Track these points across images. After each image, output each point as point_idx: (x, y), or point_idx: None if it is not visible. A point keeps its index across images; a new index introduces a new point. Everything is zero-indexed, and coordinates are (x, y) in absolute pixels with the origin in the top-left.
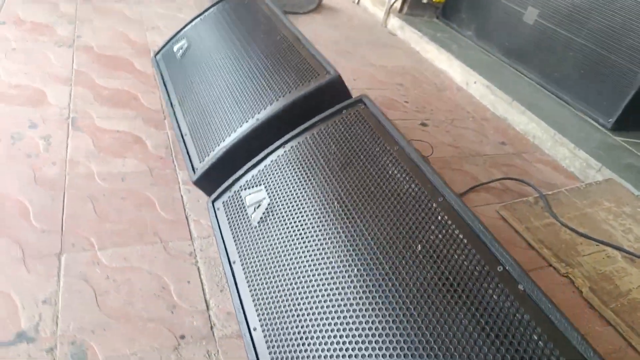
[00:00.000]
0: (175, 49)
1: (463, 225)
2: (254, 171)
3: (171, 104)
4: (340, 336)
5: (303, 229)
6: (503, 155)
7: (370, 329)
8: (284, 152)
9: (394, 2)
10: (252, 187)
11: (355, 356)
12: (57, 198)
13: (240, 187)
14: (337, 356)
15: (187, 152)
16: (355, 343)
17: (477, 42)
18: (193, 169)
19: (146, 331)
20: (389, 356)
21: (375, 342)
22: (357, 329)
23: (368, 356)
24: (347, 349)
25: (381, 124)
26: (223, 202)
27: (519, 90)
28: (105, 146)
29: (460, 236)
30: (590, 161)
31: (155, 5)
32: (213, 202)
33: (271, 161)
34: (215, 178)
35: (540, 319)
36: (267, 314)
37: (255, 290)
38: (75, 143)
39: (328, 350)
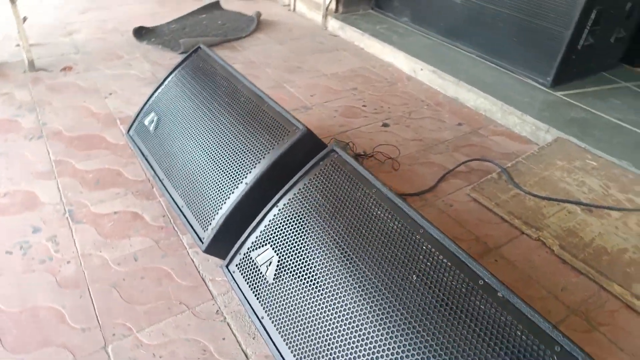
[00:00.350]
0: (146, 122)
1: (444, 249)
2: (256, 232)
3: (158, 177)
4: (365, 357)
5: (313, 278)
6: (462, 136)
7: (388, 349)
8: (278, 210)
9: (329, 3)
10: (259, 247)
11: None
12: (84, 295)
13: (248, 249)
14: None
15: (189, 223)
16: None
17: (414, 27)
18: (200, 239)
19: None
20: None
21: (394, 357)
22: (377, 352)
23: None
24: None
25: (355, 170)
26: (236, 265)
27: (462, 68)
28: (109, 231)
29: (445, 260)
30: (538, 124)
31: (104, 68)
32: (227, 266)
33: (269, 221)
34: (221, 243)
35: (520, 318)
36: (302, 355)
37: (287, 337)
38: (80, 236)
39: None
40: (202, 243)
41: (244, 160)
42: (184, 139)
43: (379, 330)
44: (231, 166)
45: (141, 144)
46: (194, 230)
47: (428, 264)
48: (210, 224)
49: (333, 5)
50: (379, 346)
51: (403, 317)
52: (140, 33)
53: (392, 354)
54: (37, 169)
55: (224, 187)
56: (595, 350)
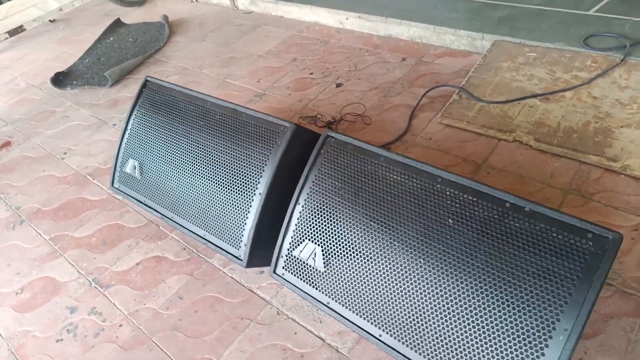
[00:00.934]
0: (128, 171)
1: (464, 188)
2: (290, 233)
3: (166, 217)
4: (439, 302)
5: (361, 253)
6: (410, 70)
7: (455, 292)
8: (302, 207)
9: None
10: (298, 244)
11: (451, 305)
12: (153, 348)
13: (288, 250)
14: (446, 315)
15: (219, 247)
16: (447, 299)
17: None
18: (237, 258)
19: None
20: (469, 291)
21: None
22: (445, 296)
23: (457, 301)
24: (443, 305)
25: (357, 146)
26: (283, 267)
27: (383, 4)
28: (141, 283)
29: (469, 197)
30: (472, 34)
31: (43, 129)
32: (274, 272)
33: (297, 219)
34: (257, 253)
35: (550, 222)
36: (373, 317)
37: (355, 308)
38: (118, 298)
39: (437, 318)
40: (242, 260)
41: (248, 174)
42: (179, 173)
43: (438, 276)
44: (239, 183)
45: (132, 192)
46: (226, 252)
47: (457, 205)
48: (242, 241)
49: None
50: (445, 291)
51: (455, 258)
52: (59, 80)
53: (461, 295)
54: (39, 254)
55: (240, 204)
56: (597, 217)
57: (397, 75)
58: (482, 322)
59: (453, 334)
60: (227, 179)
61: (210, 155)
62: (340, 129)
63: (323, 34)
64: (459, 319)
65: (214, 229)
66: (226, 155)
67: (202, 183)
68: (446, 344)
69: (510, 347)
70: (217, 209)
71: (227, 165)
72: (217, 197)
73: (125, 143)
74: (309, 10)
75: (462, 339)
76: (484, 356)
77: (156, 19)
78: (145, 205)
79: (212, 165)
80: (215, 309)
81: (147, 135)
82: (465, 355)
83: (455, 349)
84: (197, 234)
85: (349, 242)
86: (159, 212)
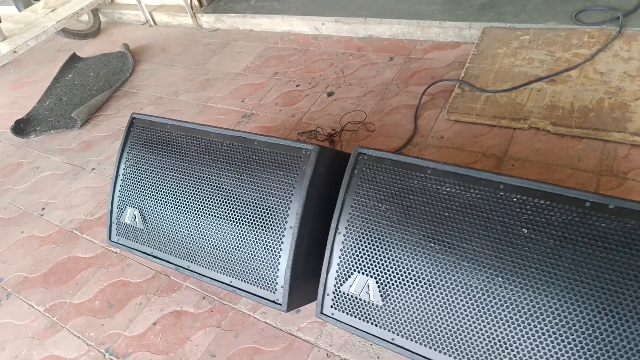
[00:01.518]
0: (127, 221)
1: (533, 192)
2: (334, 267)
3: (181, 267)
4: (523, 321)
5: (425, 280)
6: (402, 69)
7: (544, 310)
8: (344, 236)
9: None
10: (346, 279)
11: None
12: None
13: (335, 286)
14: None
15: (251, 293)
16: (533, 317)
17: None
18: (275, 302)
19: None
20: (560, 306)
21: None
22: (531, 317)
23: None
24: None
25: (395, 160)
26: (332, 307)
27: (360, 5)
28: (164, 344)
29: (541, 201)
30: (458, 24)
31: (13, 185)
32: (322, 312)
33: (340, 250)
34: (295, 293)
35: (637, 216)
36: (451, 350)
37: (427, 342)
38: None
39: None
40: (281, 305)
41: (275, 207)
42: (191, 217)
43: (522, 294)
44: (265, 219)
45: (134, 244)
46: (260, 297)
47: (528, 212)
48: (277, 283)
49: (196, 0)
50: (533, 311)
51: (539, 272)
52: (20, 128)
53: (551, 314)
54: (36, 329)
55: (270, 242)
56: (637, 195)
57: (389, 76)
58: (584, 337)
59: (551, 355)
60: (251, 216)
61: (226, 192)
62: (344, 140)
63: (300, 43)
64: (555, 336)
65: (242, 274)
66: (245, 190)
67: (221, 224)
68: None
69: None
70: (242, 251)
71: (248, 201)
72: (241, 237)
73: (119, 191)
74: (280, 20)
75: None
76: None
77: (115, 48)
78: (153, 257)
79: (231, 203)
80: None
81: (145, 179)
82: None
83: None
84: (221, 282)
85: (407, 268)
86: (171, 263)
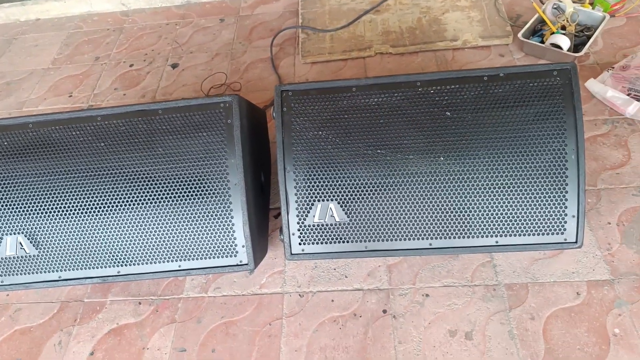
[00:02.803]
0: (10, 254)
1: (444, 81)
2: (293, 205)
3: (109, 276)
4: (472, 185)
5: (383, 182)
6: (238, 28)
7: (477, 169)
8: (294, 174)
9: None
10: (307, 213)
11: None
12: None
13: (298, 223)
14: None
15: (210, 267)
16: (475, 178)
17: None
18: (238, 265)
19: None
20: (491, 163)
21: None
22: (472, 175)
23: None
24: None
25: (320, 88)
26: (300, 244)
27: None
28: None
29: (453, 86)
30: None
31: None
32: (292, 254)
33: (295, 187)
34: (256, 250)
35: (521, 76)
36: (431, 228)
37: (399, 235)
38: None
39: None
40: (247, 264)
41: (210, 169)
42: (108, 217)
43: (461, 165)
44: (202, 185)
45: (30, 276)
46: (220, 266)
47: (445, 98)
48: (236, 244)
49: None
50: (474, 173)
51: (468, 142)
52: None
53: (485, 168)
54: None
55: (217, 206)
56: None
57: (228, 36)
58: (510, 182)
59: (492, 200)
60: (183, 189)
61: (142, 175)
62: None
63: (110, 22)
64: (495, 186)
65: (190, 253)
66: (165, 165)
67: (148, 211)
68: (489, 210)
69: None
70: (184, 229)
71: (173, 175)
72: (179, 215)
73: None
74: (75, 2)
75: (496, 199)
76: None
77: None
78: (63, 280)
79: (153, 185)
80: (234, 334)
81: (22, 197)
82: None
83: (493, 208)
84: (167, 271)
85: (363, 179)
86: (94, 277)
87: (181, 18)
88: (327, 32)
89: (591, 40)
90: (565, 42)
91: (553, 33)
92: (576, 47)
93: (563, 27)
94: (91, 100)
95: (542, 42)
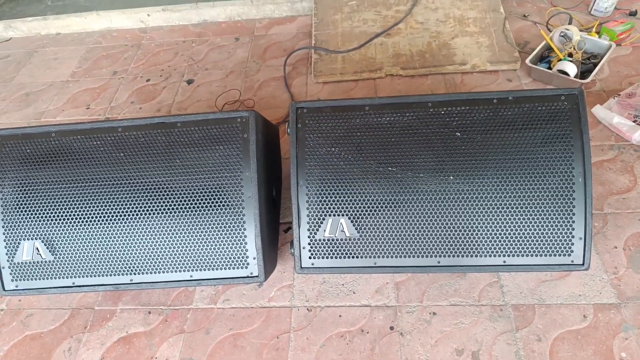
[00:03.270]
0: (26, 259)
1: (455, 102)
2: (304, 219)
3: (121, 284)
4: (483, 204)
5: (393, 198)
6: (252, 47)
7: (487, 188)
8: (307, 188)
9: None
10: (318, 228)
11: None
12: None
13: (309, 237)
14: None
15: (221, 278)
16: (487, 197)
17: None
18: (249, 277)
19: None
20: (500, 182)
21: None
22: (483, 194)
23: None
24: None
25: (334, 107)
26: (310, 257)
27: None
28: None
29: (463, 108)
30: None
31: None
32: (302, 267)
33: (307, 202)
34: (266, 262)
35: (530, 100)
36: (440, 246)
37: (407, 252)
38: None
39: None
40: (257, 276)
41: (226, 182)
42: (123, 225)
43: (470, 184)
44: (217, 197)
45: (45, 282)
46: (231, 278)
47: (455, 119)
48: (247, 256)
49: None
50: (481, 191)
51: (477, 161)
52: None
53: (493, 188)
54: None
55: (230, 218)
56: None
57: (242, 55)
58: (518, 200)
59: (500, 220)
60: (198, 200)
61: (159, 185)
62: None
63: (128, 38)
64: (504, 207)
65: (202, 264)
66: (182, 177)
67: (164, 221)
68: (497, 230)
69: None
70: (198, 240)
71: (189, 187)
72: (193, 226)
73: (3, 228)
74: (95, 17)
75: (507, 218)
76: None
77: None
78: (77, 287)
79: (169, 196)
80: (242, 346)
81: (43, 203)
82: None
83: (502, 228)
84: (179, 281)
85: (374, 195)
86: (107, 285)
87: (197, 36)
88: (339, 54)
89: (598, 67)
90: (572, 69)
91: (560, 60)
92: (583, 74)
93: (570, 55)
94: (108, 112)
95: (550, 68)
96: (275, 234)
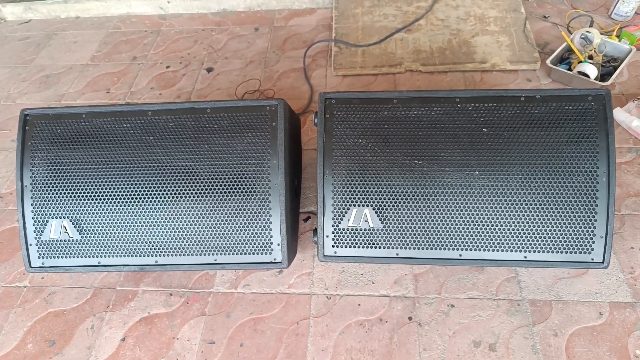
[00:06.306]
0: (54, 237)
1: (482, 99)
2: (329, 208)
3: (146, 265)
4: (505, 200)
5: (418, 191)
6: (272, 37)
7: (510, 184)
8: (333, 178)
9: None
10: (342, 217)
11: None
12: None
13: (333, 226)
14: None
15: (245, 262)
16: (509, 193)
17: None
18: (272, 262)
19: None
20: (525, 179)
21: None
22: (505, 190)
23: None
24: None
25: (363, 98)
26: (333, 246)
27: None
28: (147, 356)
29: (490, 104)
30: None
31: None
32: (325, 255)
33: (332, 192)
34: (290, 249)
35: (557, 99)
36: (462, 239)
37: (429, 244)
38: None
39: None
40: (281, 262)
41: (253, 168)
42: (151, 207)
43: (495, 180)
44: (244, 183)
45: (71, 260)
46: (255, 263)
47: (483, 115)
48: (272, 242)
49: None
50: (506, 187)
51: (503, 158)
52: None
53: (518, 184)
54: None
55: (257, 204)
56: None
57: (262, 45)
58: (543, 197)
59: (523, 216)
60: (226, 185)
61: (188, 170)
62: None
63: (147, 25)
64: (527, 203)
65: (227, 248)
66: (211, 162)
67: (191, 205)
68: (519, 226)
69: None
70: (224, 224)
71: (217, 172)
72: (219, 211)
73: (31, 205)
74: (115, 2)
75: (529, 216)
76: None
77: None
78: (103, 266)
79: (197, 180)
80: (262, 330)
81: (71, 182)
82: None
83: (524, 224)
84: (204, 264)
85: (399, 187)
86: (132, 265)
87: (217, 25)
88: (360, 47)
89: (617, 71)
90: (592, 71)
91: (581, 62)
92: (602, 77)
93: (590, 57)
94: (128, 97)
95: (570, 69)
96: (296, 223)
